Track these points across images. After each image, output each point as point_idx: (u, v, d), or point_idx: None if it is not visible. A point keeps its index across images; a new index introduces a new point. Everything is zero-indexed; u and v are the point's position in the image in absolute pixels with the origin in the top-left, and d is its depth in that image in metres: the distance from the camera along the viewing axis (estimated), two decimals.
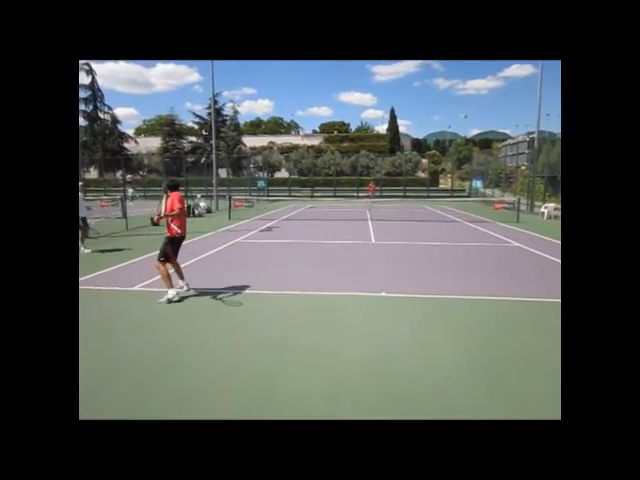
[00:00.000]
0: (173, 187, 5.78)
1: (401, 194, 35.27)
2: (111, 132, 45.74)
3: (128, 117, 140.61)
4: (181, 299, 5.62)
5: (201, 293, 5.90)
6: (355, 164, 40.73)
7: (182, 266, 7.69)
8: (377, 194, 32.65)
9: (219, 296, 5.76)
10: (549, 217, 17.58)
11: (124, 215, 14.15)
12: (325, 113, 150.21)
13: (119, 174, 39.59)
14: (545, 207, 18.31)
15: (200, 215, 18.50)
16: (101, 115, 45.78)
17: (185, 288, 5.84)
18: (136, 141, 48.13)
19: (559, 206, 18.41)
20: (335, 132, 61.16)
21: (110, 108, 46.76)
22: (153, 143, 47.22)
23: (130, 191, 31.30)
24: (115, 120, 47.06)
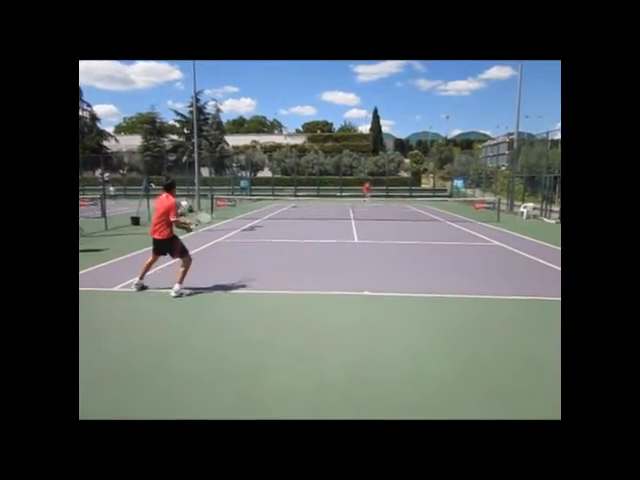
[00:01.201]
0: (166, 187, 5.79)
1: (384, 194, 35.49)
2: (90, 130, 44.81)
3: (108, 114, 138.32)
4: (164, 299, 5.54)
5: (183, 293, 5.82)
6: (338, 164, 40.80)
7: (166, 265, 7.63)
8: (360, 193, 32.78)
9: (201, 296, 5.70)
10: (528, 217, 17.93)
11: (103, 215, 13.87)
12: (308, 112, 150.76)
13: (98, 172, 38.85)
14: (524, 207, 18.67)
15: (182, 214, 18.26)
16: (79, 112, 44.80)
17: (173, 293, 5.71)
18: (116, 139, 47.33)
19: (538, 206, 18.80)
20: (318, 131, 61.18)
21: (89, 105, 45.84)
22: (134, 141, 46.48)
23: (111, 189, 30.87)
24: (94, 117, 46.14)
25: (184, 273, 5.67)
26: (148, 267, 5.88)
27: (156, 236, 5.70)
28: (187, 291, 5.67)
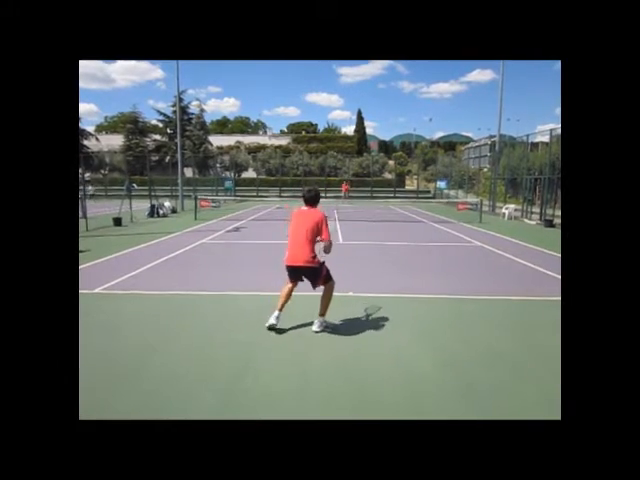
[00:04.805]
0: (310, 200, 4.43)
1: (368, 195, 35.70)
2: None
3: (88, 113, 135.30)
4: (146, 301, 5.49)
5: (166, 294, 5.78)
6: (323, 165, 40.89)
7: (147, 267, 7.55)
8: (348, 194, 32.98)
9: (185, 297, 5.66)
10: (510, 218, 18.26)
11: (84, 215, 13.63)
12: (292, 113, 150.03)
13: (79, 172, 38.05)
14: (506, 208, 19.00)
15: (165, 215, 18.08)
16: None
17: (317, 327, 4.39)
18: (97, 138, 46.45)
19: (519, 207, 19.17)
20: (303, 132, 61.21)
21: None
22: (115, 141, 45.78)
23: (90, 189, 30.66)
24: None
25: (328, 303, 4.45)
26: (288, 296, 4.45)
27: (300, 263, 4.25)
28: (328, 325, 4.47)
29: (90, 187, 31.54)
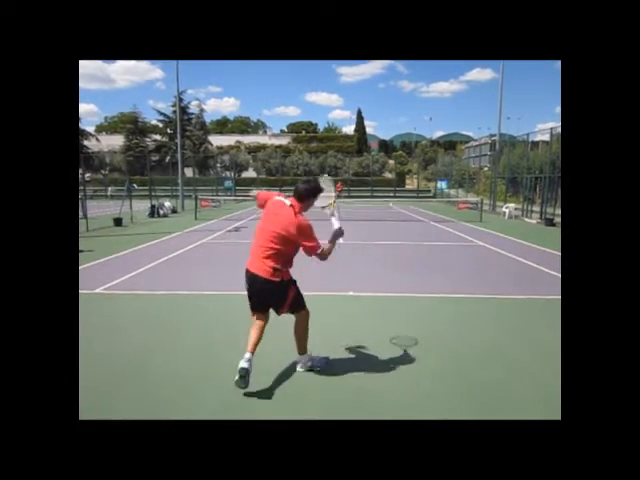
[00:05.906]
0: (299, 193, 3.29)
1: (369, 194, 35.71)
2: None
3: (88, 114, 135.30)
4: (147, 301, 5.48)
5: (167, 294, 5.78)
6: (323, 164, 40.92)
7: (148, 267, 7.56)
8: (345, 194, 33.03)
9: (185, 297, 5.66)
10: (510, 217, 18.25)
11: (84, 215, 13.63)
12: (292, 113, 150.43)
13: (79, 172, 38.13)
14: (506, 207, 18.99)
15: (165, 215, 18.08)
16: None
17: (300, 367, 3.53)
18: (97, 138, 46.47)
19: (519, 206, 19.16)
20: (303, 132, 61.22)
21: None
22: (115, 141, 45.85)
23: (110, 189, 31.56)
24: None
25: (303, 336, 3.51)
26: (258, 335, 3.30)
27: (254, 270, 3.26)
28: (319, 363, 3.58)
29: (109, 188, 32.24)
